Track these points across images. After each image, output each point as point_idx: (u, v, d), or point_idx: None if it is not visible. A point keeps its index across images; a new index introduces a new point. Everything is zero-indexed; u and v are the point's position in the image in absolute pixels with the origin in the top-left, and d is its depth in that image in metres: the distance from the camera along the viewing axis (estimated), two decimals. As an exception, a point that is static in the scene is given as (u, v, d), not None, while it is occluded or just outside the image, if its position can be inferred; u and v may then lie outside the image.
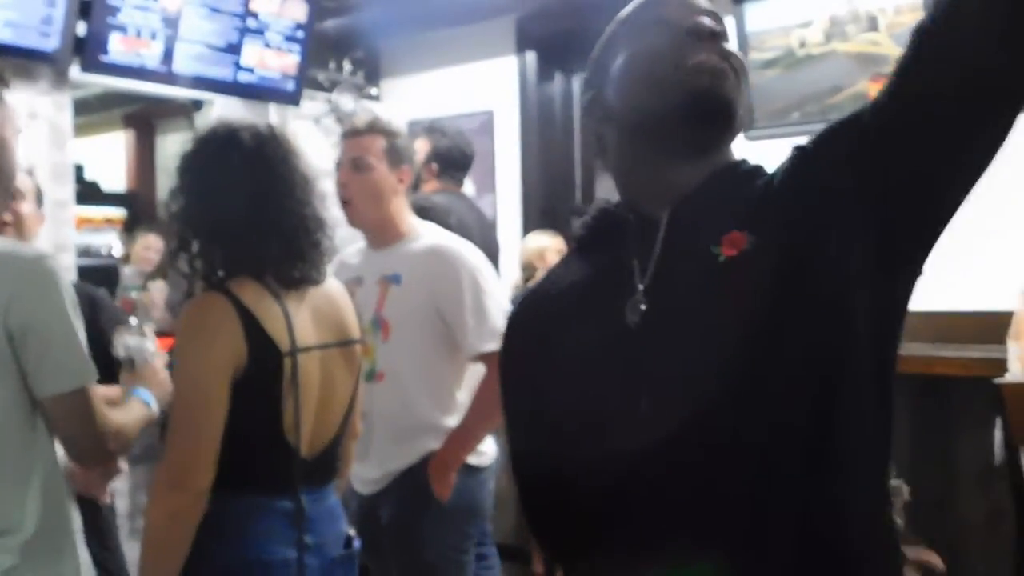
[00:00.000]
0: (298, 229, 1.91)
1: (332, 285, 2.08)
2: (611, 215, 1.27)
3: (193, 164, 1.91)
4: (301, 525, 1.87)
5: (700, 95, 1.16)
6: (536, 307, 1.31)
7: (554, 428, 1.20)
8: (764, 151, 4.16)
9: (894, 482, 3.23)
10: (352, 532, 2.04)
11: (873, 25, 4.06)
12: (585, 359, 1.18)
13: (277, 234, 1.88)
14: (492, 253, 3.58)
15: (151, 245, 5.06)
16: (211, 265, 1.87)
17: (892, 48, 4.01)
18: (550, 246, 4.37)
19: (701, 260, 1.12)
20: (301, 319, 1.91)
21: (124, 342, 2.07)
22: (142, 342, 2.07)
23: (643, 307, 1.15)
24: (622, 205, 1.27)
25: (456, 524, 2.61)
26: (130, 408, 1.97)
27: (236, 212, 1.85)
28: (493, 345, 2.44)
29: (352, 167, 2.59)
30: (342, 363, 2.01)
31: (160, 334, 4.36)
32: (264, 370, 1.82)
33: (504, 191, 5.15)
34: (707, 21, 1.19)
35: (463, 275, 2.52)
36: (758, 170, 1.23)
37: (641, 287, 1.16)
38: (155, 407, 2.02)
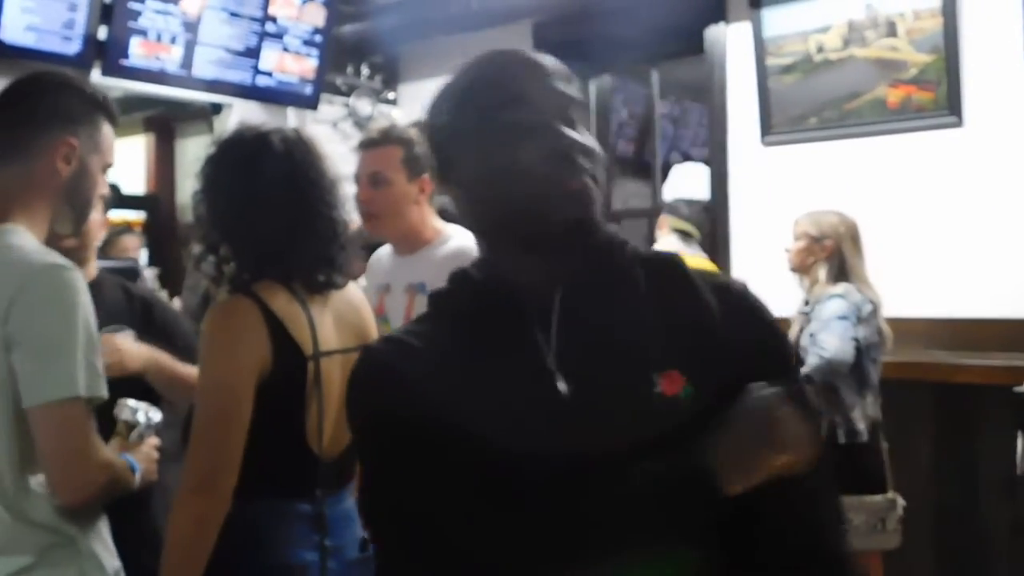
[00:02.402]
0: (328, 233, 1.91)
1: (351, 289, 2.08)
2: (487, 290, 1.18)
3: (221, 167, 1.92)
4: (322, 528, 1.87)
5: (572, 221, 1.12)
6: (418, 384, 1.13)
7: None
8: (782, 156, 4.18)
9: (889, 495, 3.23)
10: (367, 535, 2.04)
11: (892, 31, 4.04)
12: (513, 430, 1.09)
13: (309, 238, 1.88)
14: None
15: (127, 247, 5.06)
16: (241, 268, 1.88)
17: (911, 54, 3.99)
18: None
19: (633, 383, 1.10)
20: (324, 323, 1.91)
21: (129, 406, 1.93)
22: (148, 412, 1.97)
23: (562, 384, 1.10)
24: (491, 279, 1.18)
25: None
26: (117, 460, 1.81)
27: (268, 216, 1.86)
28: None
29: (371, 183, 2.56)
30: None
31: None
32: (288, 374, 1.82)
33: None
34: (578, 138, 1.13)
35: None
36: (645, 258, 1.20)
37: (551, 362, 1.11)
38: (138, 480, 1.82)
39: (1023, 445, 2.98)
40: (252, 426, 1.78)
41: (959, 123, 3.93)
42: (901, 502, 3.21)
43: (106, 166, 1.82)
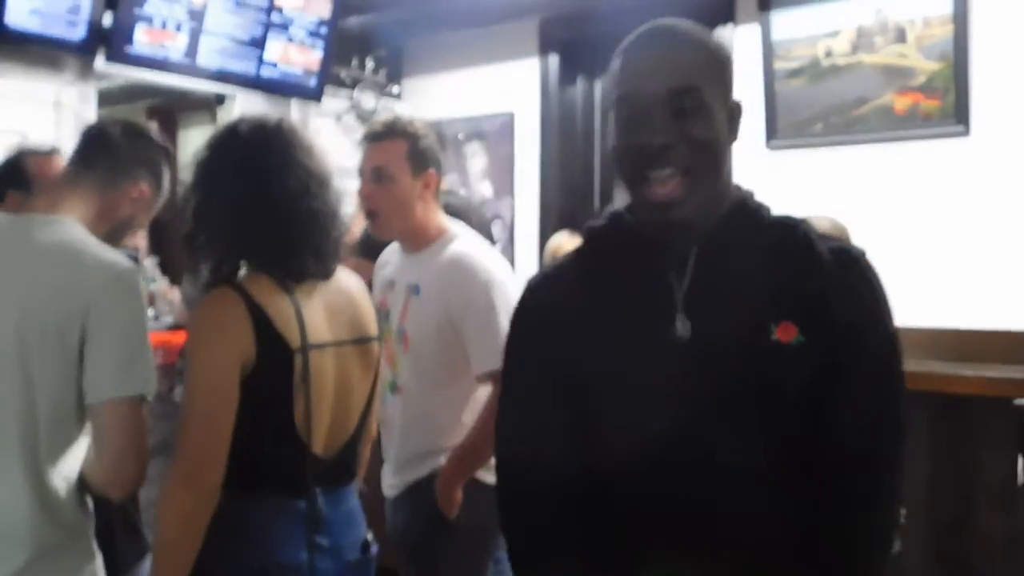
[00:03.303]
0: (306, 222, 1.89)
1: (349, 281, 2.05)
2: (629, 229, 1.39)
3: (201, 159, 1.91)
4: (315, 527, 1.85)
5: (653, 225, 1.33)
6: (558, 309, 1.38)
7: (596, 432, 1.31)
8: (787, 161, 4.15)
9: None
10: (370, 537, 2.02)
11: (901, 37, 4.02)
12: (633, 371, 1.29)
13: (282, 227, 1.86)
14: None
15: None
16: (225, 259, 1.87)
17: (919, 61, 3.97)
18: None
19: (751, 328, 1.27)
20: (314, 316, 1.88)
21: None
22: None
23: (688, 325, 1.28)
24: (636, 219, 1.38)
25: (473, 543, 2.52)
26: None
27: (236, 205, 1.85)
28: (496, 363, 2.41)
29: (374, 178, 2.48)
30: (358, 361, 1.98)
31: (177, 327, 4.38)
32: (274, 367, 1.80)
33: (522, 194, 5.14)
34: (657, 140, 1.27)
35: (476, 288, 2.42)
36: (774, 223, 1.37)
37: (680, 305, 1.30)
38: None
39: (1022, 457, 2.97)
40: (240, 420, 1.76)
41: (966, 132, 3.91)
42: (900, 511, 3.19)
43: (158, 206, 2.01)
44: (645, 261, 1.33)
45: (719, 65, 1.33)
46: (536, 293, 1.44)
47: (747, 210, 1.35)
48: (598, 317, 1.32)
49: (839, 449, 1.28)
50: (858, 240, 3.37)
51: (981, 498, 3.50)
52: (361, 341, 2.00)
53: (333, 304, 1.95)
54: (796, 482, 1.27)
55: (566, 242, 4.39)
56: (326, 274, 1.95)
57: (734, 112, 1.35)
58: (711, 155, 1.29)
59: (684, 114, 1.27)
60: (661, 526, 1.27)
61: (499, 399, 1.49)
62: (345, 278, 2.03)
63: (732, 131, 1.34)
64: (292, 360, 1.81)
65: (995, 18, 3.85)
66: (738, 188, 1.38)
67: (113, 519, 2.32)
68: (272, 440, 1.83)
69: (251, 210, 1.85)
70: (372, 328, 2.06)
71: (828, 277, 1.30)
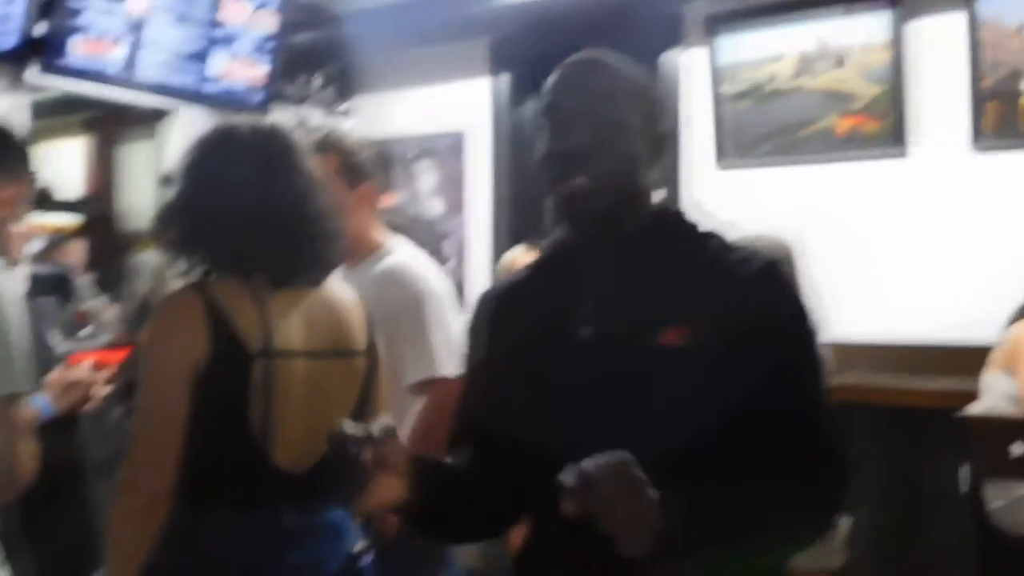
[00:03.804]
0: (294, 226, 1.84)
1: (342, 292, 1.98)
2: (556, 250, 1.54)
3: (193, 160, 1.87)
4: (279, 543, 1.78)
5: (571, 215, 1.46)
6: (513, 309, 1.54)
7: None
8: (735, 181, 4.20)
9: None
10: (359, 549, 1.93)
11: (841, 62, 4.13)
12: (540, 372, 1.41)
13: (270, 231, 1.82)
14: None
15: (71, 253, 4.95)
16: (192, 261, 1.81)
17: (859, 85, 4.07)
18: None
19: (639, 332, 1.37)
20: (288, 322, 1.82)
21: None
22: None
23: (591, 329, 1.39)
24: (560, 243, 1.53)
25: (415, 564, 2.43)
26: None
27: (236, 207, 1.80)
28: (427, 374, 2.37)
29: None
30: (338, 374, 1.90)
31: (114, 346, 4.29)
32: (228, 370, 1.73)
33: (473, 213, 5.13)
34: (575, 146, 1.41)
35: (409, 299, 2.41)
36: (693, 235, 1.48)
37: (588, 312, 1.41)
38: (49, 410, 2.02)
39: (966, 467, 3.02)
40: (193, 426, 1.70)
41: (904, 154, 4.01)
42: (846, 522, 3.22)
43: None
44: (565, 269, 1.47)
45: (642, 94, 1.47)
46: (483, 304, 1.59)
47: (665, 223, 1.46)
48: (522, 323, 1.47)
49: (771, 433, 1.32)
50: (804, 257, 3.43)
51: (927, 507, 3.57)
52: (342, 353, 1.91)
53: (315, 313, 1.89)
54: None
55: (520, 257, 4.38)
56: (316, 280, 1.89)
57: (658, 140, 1.47)
58: (627, 168, 1.42)
59: (603, 127, 1.40)
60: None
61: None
62: (339, 289, 1.97)
63: (654, 156, 1.46)
64: (249, 364, 1.74)
65: (929, 44, 3.98)
66: (665, 206, 1.50)
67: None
68: (225, 449, 1.75)
69: (252, 212, 1.80)
70: (358, 341, 1.96)
71: (737, 283, 1.37)
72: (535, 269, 1.57)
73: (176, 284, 3.33)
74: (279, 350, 1.78)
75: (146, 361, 1.74)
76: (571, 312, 1.42)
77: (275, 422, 1.77)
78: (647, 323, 1.36)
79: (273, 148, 1.86)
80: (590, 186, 1.39)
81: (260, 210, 1.81)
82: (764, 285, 1.38)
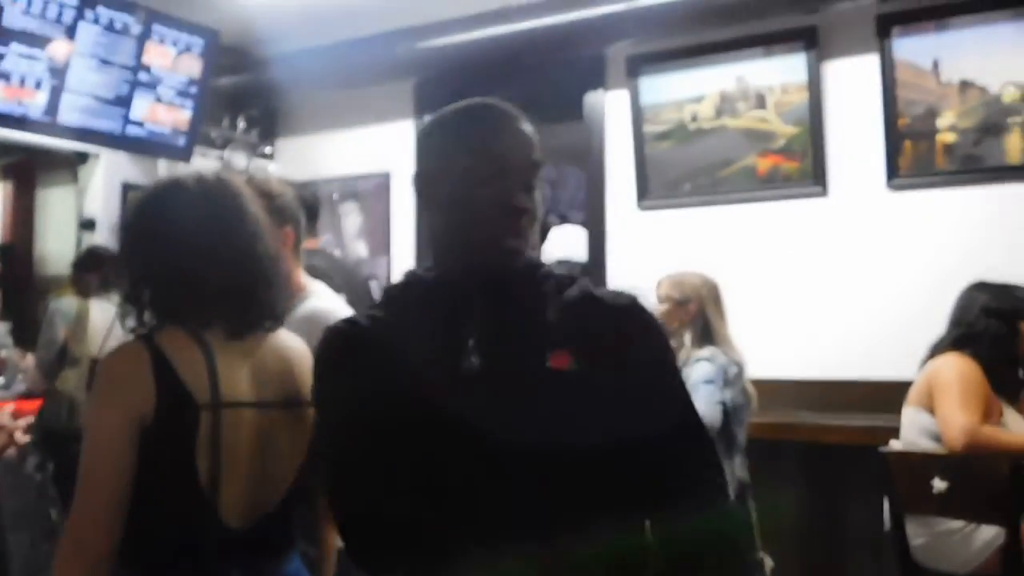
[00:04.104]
0: (241, 273, 1.81)
1: (290, 342, 1.91)
2: (433, 288, 1.50)
3: (129, 215, 1.84)
4: None
5: (499, 258, 1.45)
6: (375, 353, 1.47)
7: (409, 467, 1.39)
8: (658, 220, 4.25)
9: (757, 556, 3.26)
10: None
11: (761, 103, 4.20)
12: (433, 406, 1.38)
13: (215, 279, 1.78)
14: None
15: None
16: (140, 311, 1.77)
17: (779, 125, 4.15)
18: None
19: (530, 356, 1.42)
20: (235, 372, 1.75)
21: None
22: None
23: (478, 360, 1.40)
24: (439, 281, 1.50)
25: None
26: None
27: (169, 257, 1.77)
28: None
29: None
30: (287, 425, 1.82)
31: (29, 396, 4.18)
32: (175, 423, 1.66)
33: (399, 254, 5.12)
34: (523, 203, 1.43)
35: None
36: (556, 275, 1.52)
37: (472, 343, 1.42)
38: None
39: (887, 504, 3.05)
40: (139, 482, 1.64)
41: (824, 192, 4.09)
42: (769, 562, 3.24)
43: None
44: (444, 308, 1.46)
45: (536, 144, 1.51)
46: (338, 347, 1.53)
47: (532, 265, 1.49)
48: (402, 364, 1.43)
49: (658, 453, 1.45)
50: (727, 294, 3.48)
51: (850, 544, 3.60)
52: (291, 405, 1.83)
53: (264, 362, 1.82)
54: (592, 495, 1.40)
55: None
56: (268, 328, 1.85)
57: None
58: (536, 224, 1.48)
59: (532, 188, 1.45)
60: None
61: (321, 458, 1.54)
62: (287, 338, 1.91)
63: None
64: (197, 416, 1.68)
65: (845, 85, 4.06)
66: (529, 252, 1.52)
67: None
68: (173, 505, 1.68)
69: (202, 262, 1.77)
70: (307, 391, 1.83)
71: (606, 314, 1.48)
72: (399, 309, 1.52)
73: (95, 333, 3.26)
74: (227, 401, 1.72)
75: (88, 420, 1.68)
76: (456, 347, 1.42)
77: (223, 476, 1.70)
78: (536, 348, 1.41)
79: (221, 197, 1.83)
80: (519, 240, 1.43)
81: (210, 260, 1.78)
82: (633, 315, 1.50)
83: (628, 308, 1.51)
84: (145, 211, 1.83)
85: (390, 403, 1.40)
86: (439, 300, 1.48)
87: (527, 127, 1.50)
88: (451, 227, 1.48)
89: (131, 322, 1.77)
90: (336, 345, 1.52)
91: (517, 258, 1.45)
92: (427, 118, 5.08)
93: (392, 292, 1.55)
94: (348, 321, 1.56)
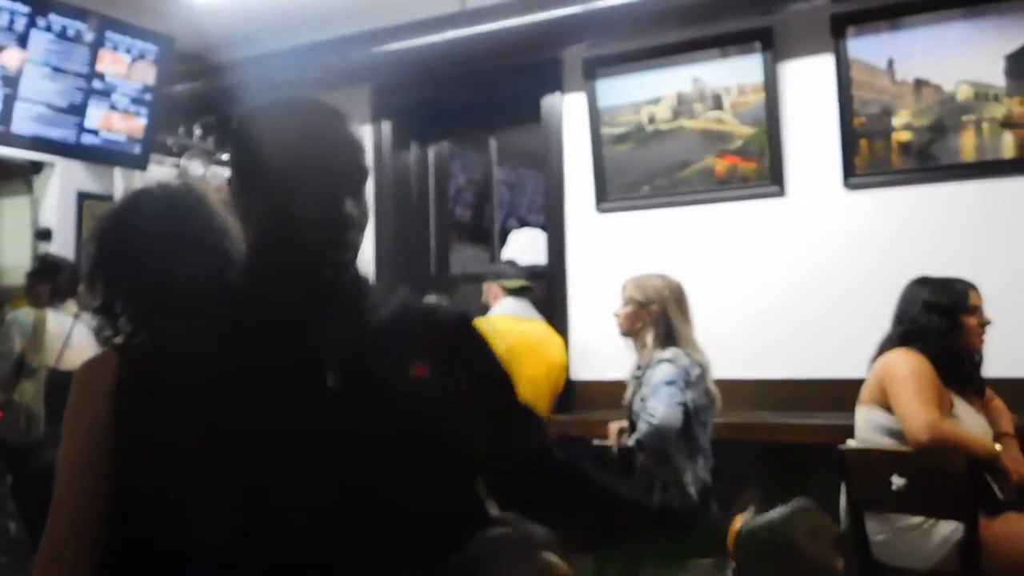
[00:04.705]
0: (211, 280, 1.80)
1: None
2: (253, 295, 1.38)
3: (97, 227, 1.82)
4: None
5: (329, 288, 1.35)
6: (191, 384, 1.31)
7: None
8: (617, 223, 4.24)
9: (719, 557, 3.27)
10: None
11: (718, 104, 4.21)
12: (289, 430, 1.28)
13: (183, 288, 1.77)
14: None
15: None
16: (114, 322, 1.76)
17: (736, 126, 4.17)
18: None
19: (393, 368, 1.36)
20: None
21: None
22: None
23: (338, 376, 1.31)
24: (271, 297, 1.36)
25: None
26: None
27: (142, 268, 1.76)
28: None
29: None
30: None
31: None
32: None
33: (358, 258, 5.09)
34: (353, 214, 1.32)
35: None
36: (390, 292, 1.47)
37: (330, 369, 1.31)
38: None
39: (845, 501, 3.07)
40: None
41: (782, 193, 4.11)
42: (731, 563, 3.25)
43: None
44: (291, 325, 1.33)
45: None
46: (154, 370, 1.37)
47: (365, 279, 1.43)
48: (244, 385, 1.29)
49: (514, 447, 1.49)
50: (690, 294, 3.50)
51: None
52: None
53: None
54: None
55: None
56: None
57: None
58: (363, 233, 1.39)
59: (360, 195, 1.36)
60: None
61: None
62: None
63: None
64: None
65: (801, 85, 4.09)
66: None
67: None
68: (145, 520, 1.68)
69: (177, 266, 1.75)
70: None
71: (443, 326, 1.47)
72: (226, 326, 1.36)
73: (52, 343, 3.20)
74: None
75: (63, 431, 1.66)
76: (311, 366, 1.31)
77: None
78: (396, 361, 1.36)
79: (186, 203, 1.83)
80: (350, 252, 1.35)
81: (180, 265, 1.77)
82: (469, 329, 1.51)
83: (461, 319, 1.51)
84: (114, 221, 1.83)
85: (226, 413, 1.26)
86: (269, 316, 1.34)
87: (355, 130, 1.39)
88: (274, 238, 1.34)
89: (107, 332, 1.76)
90: (143, 368, 1.38)
91: (349, 271, 1.36)
92: (384, 123, 5.02)
93: (207, 302, 1.45)
94: (153, 350, 1.41)
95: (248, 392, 1.28)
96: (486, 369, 1.50)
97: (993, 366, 3.21)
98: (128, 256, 1.78)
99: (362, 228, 1.35)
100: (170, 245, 1.77)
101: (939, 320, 3.08)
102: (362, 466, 1.29)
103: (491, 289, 4.27)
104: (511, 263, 4.49)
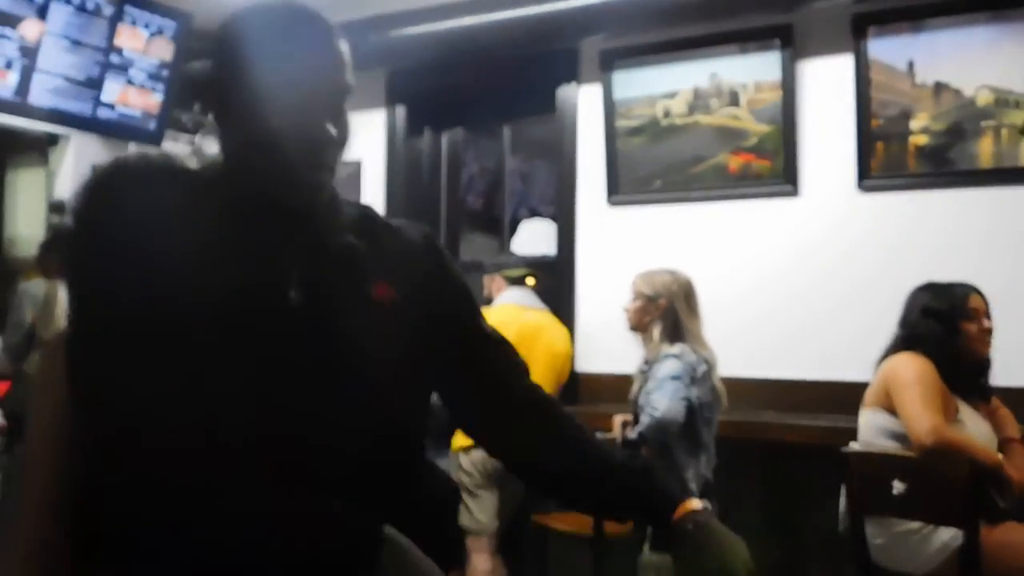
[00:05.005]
0: None
1: None
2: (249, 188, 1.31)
3: (75, 198, 1.79)
4: None
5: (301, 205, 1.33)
6: (153, 234, 1.24)
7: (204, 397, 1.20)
8: (628, 216, 4.24)
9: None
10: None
11: (734, 100, 4.19)
12: (248, 336, 1.24)
13: None
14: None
15: None
16: None
17: (751, 123, 4.15)
18: None
19: (354, 288, 1.34)
20: None
21: None
22: None
23: (302, 292, 1.28)
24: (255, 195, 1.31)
25: None
26: None
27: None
28: None
29: None
30: None
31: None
32: None
33: (370, 244, 5.09)
34: (333, 135, 1.28)
35: None
36: (354, 205, 1.46)
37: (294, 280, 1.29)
38: None
39: (845, 503, 3.07)
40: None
41: (795, 192, 4.09)
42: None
43: None
44: (262, 226, 1.30)
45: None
46: (121, 205, 1.27)
47: (335, 195, 1.39)
48: (207, 266, 1.24)
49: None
50: (698, 291, 3.48)
51: (809, 544, 3.61)
52: None
53: None
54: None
55: None
56: None
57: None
58: (342, 150, 1.35)
59: (341, 113, 1.31)
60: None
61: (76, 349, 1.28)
62: None
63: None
64: None
65: (819, 85, 4.06)
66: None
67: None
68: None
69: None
70: None
71: (406, 244, 1.46)
72: (201, 195, 1.30)
73: (63, 315, 3.20)
74: None
75: (32, 408, 1.66)
76: (276, 276, 1.28)
77: None
78: (358, 280, 1.35)
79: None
80: (325, 172, 1.31)
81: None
82: (435, 250, 1.49)
83: (427, 238, 1.50)
84: (91, 194, 1.79)
85: (185, 308, 1.21)
86: (244, 219, 1.29)
87: (340, 42, 1.33)
88: (249, 150, 1.29)
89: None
90: (119, 195, 1.28)
91: (323, 190, 1.33)
92: (399, 108, 5.02)
93: (206, 176, 1.33)
94: (152, 163, 1.34)
95: (210, 301, 1.23)
96: (451, 291, 1.49)
97: (1003, 375, 3.19)
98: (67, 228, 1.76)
99: (341, 147, 1.31)
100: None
101: (936, 326, 3.07)
102: (308, 384, 1.26)
103: (494, 281, 4.29)
104: (512, 254, 4.51)
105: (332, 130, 1.27)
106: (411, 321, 1.37)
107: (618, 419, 3.57)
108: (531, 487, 2.02)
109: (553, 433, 1.48)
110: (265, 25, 1.31)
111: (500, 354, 1.52)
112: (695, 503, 1.38)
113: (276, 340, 1.26)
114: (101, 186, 1.30)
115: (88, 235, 1.27)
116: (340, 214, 1.39)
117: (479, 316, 1.53)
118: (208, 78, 1.34)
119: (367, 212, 1.47)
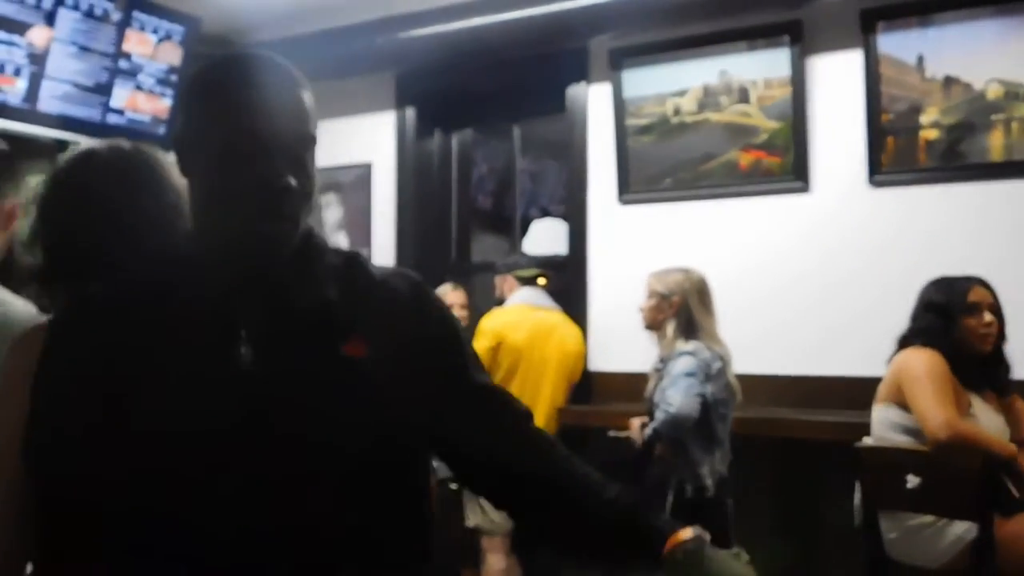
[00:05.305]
0: (144, 251, 1.74)
1: None
2: (189, 265, 1.32)
3: (41, 191, 1.76)
4: None
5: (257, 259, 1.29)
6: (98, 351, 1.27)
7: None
8: (639, 215, 4.24)
9: (733, 550, 3.26)
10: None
11: (744, 97, 4.18)
12: (193, 409, 1.21)
13: (125, 252, 1.70)
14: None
15: None
16: (52, 293, 1.71)
17: (761, 120, 4.14)
18: (455, 301, 4.34)
19: (320, 347, 1.27)
20: None
21: None
22: None
23: (251, 351, 1.24)
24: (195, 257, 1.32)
25: None
26: None
27: (71, 234, 1.70)
28: None
29: None
30: None
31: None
32: None
33: (379, 245, 5.10)
34: (291, 184, 1.23)
35: None
36: (334, 252, 1.39)
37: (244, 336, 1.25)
38: None
39: (860, 497, 3.06)
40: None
41: (806, 188, 4.08)
42: (745, 557, 3.24)
43: None
44: (205, 292, 1.28)
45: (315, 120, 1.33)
46: (69, 337, 1.33)
47: (310, 243, 1.34)
48: (148, 354, 1.24)
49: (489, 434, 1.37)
50: (713, 289, 3.48)
51: (824, 538, 3.61)
52: None
53: None
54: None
55: (449, 293, 4.38)
56: None
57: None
58: (310, 198, 1.30)
59: (304, 163, 1.27)
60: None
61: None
62: None
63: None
64: None
65: (829, 80, 4.05)
66: (309, 227, 1.35)
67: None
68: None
69: (118, 230, 1.68)
70: None
71: (389, 296, 1.36)
72: (135, 292, 1.32)
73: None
74: None
75: None
76: (222, 337, 1.25)
77: None
78: (327, 336, 1.28)
79: (154, 161, 1.75)
80: (284, 223, 1.26)
81: (121, 229, 1.69)
82: (421, 301, 1.39)
83: (414, 288, 1.40)
84: (51, 186, 1.71)
85: (135, 413, 1.21)
86: (198, 283, 1.29)
87: (303, 92, 1.30)
88: (210, 204, 1.28)
89: (43, 300, 1.71)
90: (68, 321, 1.34)
91: (283, 241, 1.27)
92: (409, 110, 5.03)
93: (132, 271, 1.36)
94: (84, 296, 1.36)
95: (158, 362, 1.23)
96: (435, 344, 1.37)
97: (1019, 369, 3.18)
98: (67, 214, 1.67)
99: (304, 197, 1.26)
100: (111, 204, 1.64)
101: (934, 319, 3.07)
102: (260, 447, 1.21)
103: (506, 281, 4.30)
104: (523, 254, 4.51)
105: (291, 180, 1.23)
106: (387, 376, 1.28)
107: (636, 422, 3.57)
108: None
109: (549, 491, 1.37)
110: (226, 77, 1.28)
111: (492, 406, 1.41)
112: (686, 532, 1.31)
113: (220, 399, 1.22)
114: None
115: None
116: (315, 265, 1.33)
117: (469, 368, 1.41)
118: (175, 133, 1.33)
119: (354, 261, 1.39)
